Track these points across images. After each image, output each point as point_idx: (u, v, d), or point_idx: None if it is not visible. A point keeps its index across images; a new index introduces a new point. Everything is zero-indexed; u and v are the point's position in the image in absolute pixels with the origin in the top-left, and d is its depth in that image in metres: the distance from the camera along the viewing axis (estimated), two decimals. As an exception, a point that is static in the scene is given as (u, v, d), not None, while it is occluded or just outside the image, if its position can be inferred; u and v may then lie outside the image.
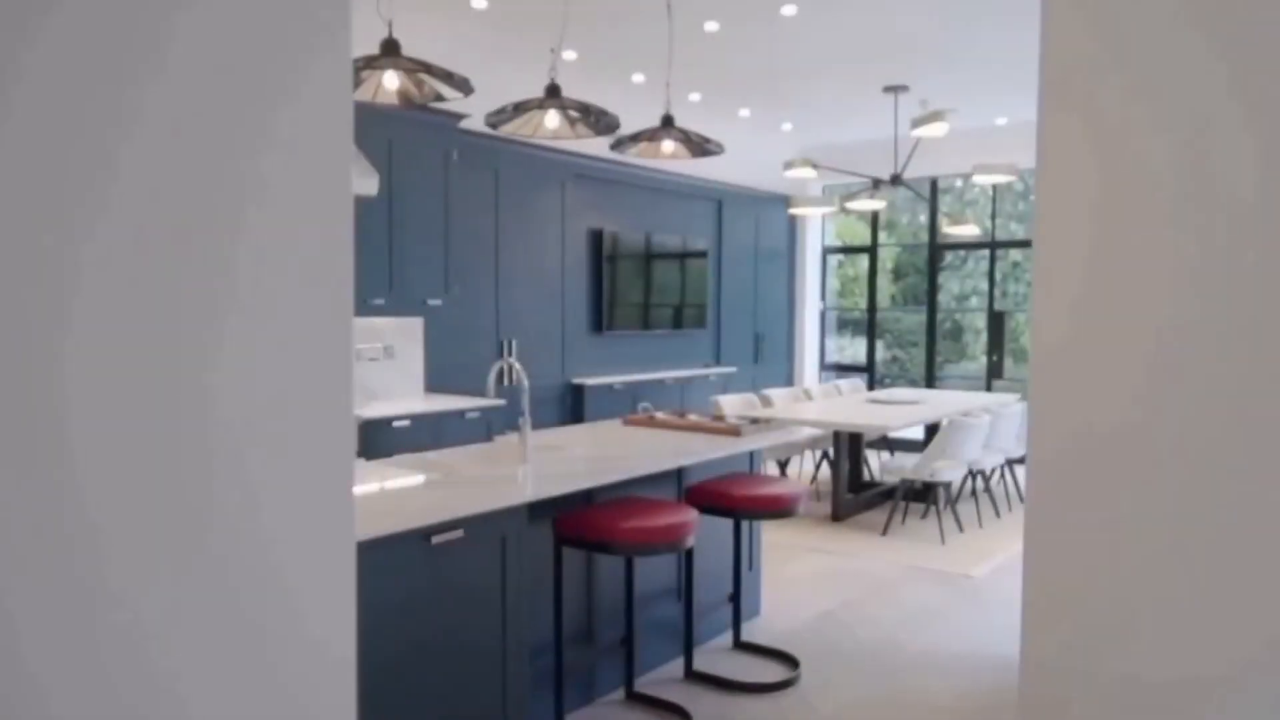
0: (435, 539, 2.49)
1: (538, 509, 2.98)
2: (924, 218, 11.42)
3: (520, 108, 3.42)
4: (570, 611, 3.34)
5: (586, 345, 7.31)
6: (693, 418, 4.41)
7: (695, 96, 6.92)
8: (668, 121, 4.11)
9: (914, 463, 5.88)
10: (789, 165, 6.88)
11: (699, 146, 4.09)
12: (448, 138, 5.46)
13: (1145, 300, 2.02)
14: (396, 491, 2.85)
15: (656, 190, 7.99)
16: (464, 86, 3.03)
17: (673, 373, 7.93)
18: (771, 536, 5.63)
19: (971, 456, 5.87)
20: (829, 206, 7.14)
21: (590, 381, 7.02)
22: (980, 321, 12.24)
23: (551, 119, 3.57)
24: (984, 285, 12.37)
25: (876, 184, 7.42)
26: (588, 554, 3.36)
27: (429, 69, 2.91)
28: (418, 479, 3.02)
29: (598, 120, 3.54)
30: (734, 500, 3.55)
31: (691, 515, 3.13)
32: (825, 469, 7.84)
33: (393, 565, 2.41)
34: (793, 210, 7.24)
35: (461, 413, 5.23)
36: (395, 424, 4.90)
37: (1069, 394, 2.12)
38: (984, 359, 12.35)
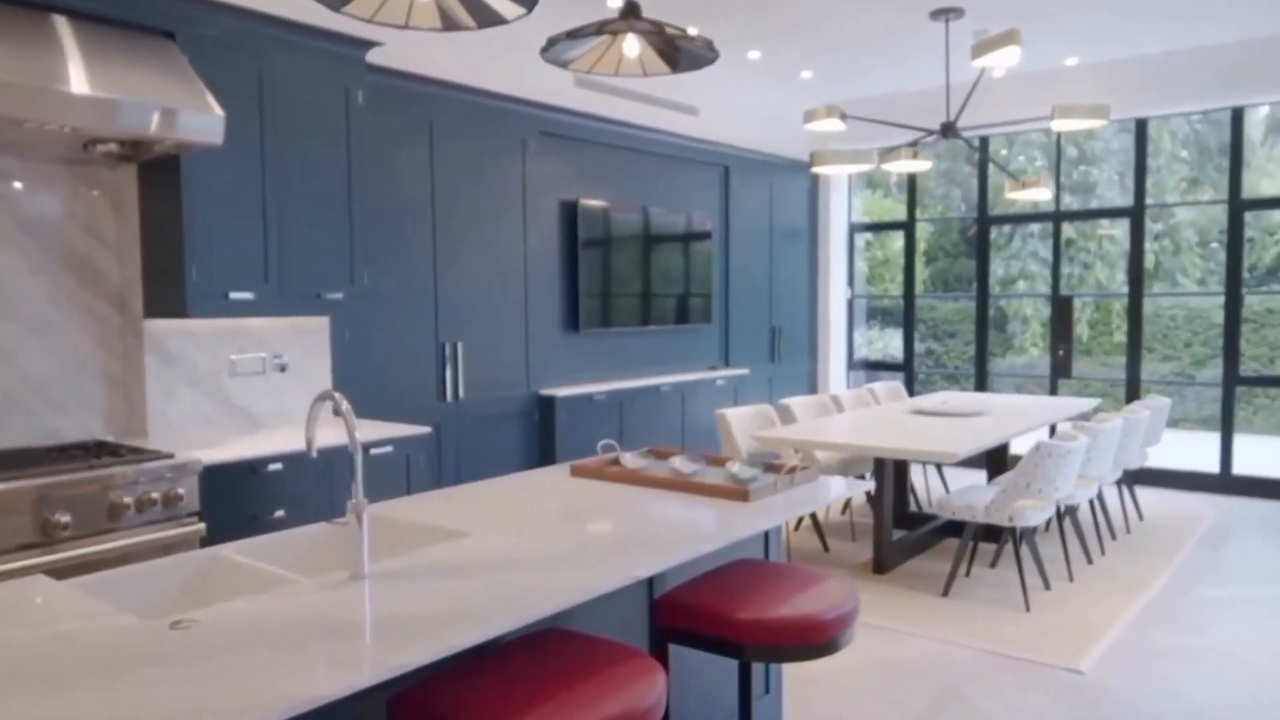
0: None
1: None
2: (957, 194, 9.96)
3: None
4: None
5: (558, 347, 5.86)
6: (676, 462, 2.95)
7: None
8: (631, 11, 2.70)
9: (986, 500, 4.39)
10: (811, 116, 5.39)
11: (673, 45, 2.65)
12: (347, 72, 4.01)
13: None
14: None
15: (644, 153, 6.50)
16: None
17: (671, 378, 6.46)
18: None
19: (1064, 492, 4.37)
20: (865, 164, 5.63)
21: (563, 393, 5.56)
22: (1029, 309, 10.71)
23: (421, -12, 2.12)
24: (1032, 267, 10.84)
25: (915, 143, 5.92)
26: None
27: None
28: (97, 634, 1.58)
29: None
30: (736, 629, 2.09)
31: (656, 687, 1.69)
32: (861, 493, 6.37)
33: None
34: (816, 169, 5.74)
35: (366, 447, 3.80)
36: (270, 468, 3.48)
37: None
38: (1034, 352, 10.82)
